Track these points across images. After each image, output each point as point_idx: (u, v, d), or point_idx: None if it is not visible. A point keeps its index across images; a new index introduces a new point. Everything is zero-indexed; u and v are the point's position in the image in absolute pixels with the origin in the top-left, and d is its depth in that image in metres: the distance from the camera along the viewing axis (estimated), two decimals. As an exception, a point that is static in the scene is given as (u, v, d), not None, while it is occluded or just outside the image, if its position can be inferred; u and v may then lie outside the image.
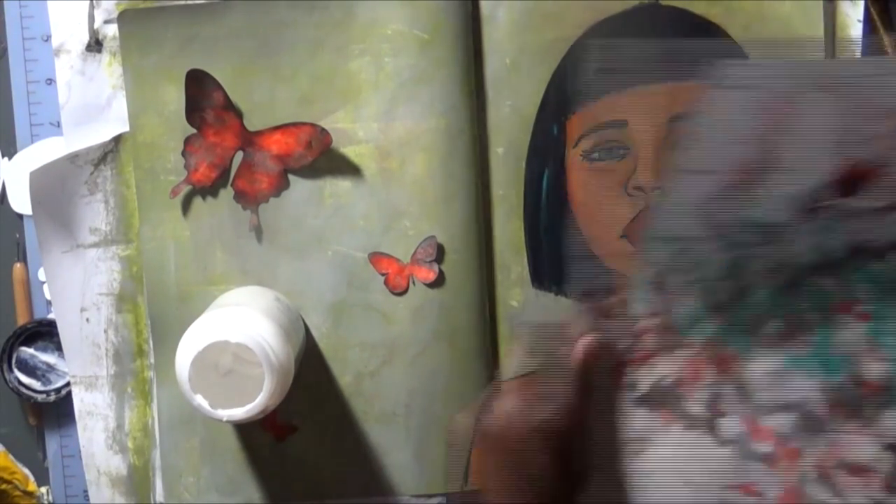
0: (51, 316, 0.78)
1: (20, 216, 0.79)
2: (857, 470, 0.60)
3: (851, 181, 0.58)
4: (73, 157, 0.76)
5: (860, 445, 0.60)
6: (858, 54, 0.75)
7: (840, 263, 0.60)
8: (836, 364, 0.60)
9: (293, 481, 0.78)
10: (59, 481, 0.80)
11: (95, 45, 0.76)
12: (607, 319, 0.59)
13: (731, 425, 0.61)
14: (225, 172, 0.76)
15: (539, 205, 0.77)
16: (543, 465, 0.55)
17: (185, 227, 0.76)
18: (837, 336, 0.60)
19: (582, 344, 0.57)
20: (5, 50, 0.78)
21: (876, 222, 0.59)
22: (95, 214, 0.77)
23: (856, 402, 0.60)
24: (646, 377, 0.62)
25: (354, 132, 0.75)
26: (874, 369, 0.60)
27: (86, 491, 0.79)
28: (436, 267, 0.76)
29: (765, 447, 0.61)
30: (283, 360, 0.66)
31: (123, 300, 0.77)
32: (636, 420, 0.62)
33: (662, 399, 0.62)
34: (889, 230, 0.59)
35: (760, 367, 0.61)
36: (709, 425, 0.61)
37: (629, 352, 0.61)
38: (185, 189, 0.76)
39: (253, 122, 0.75)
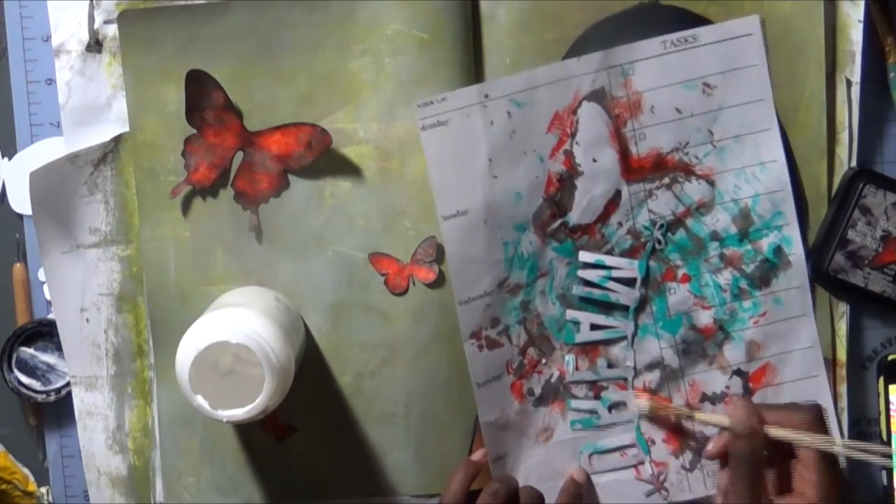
0: (51, 316, 0.78)
1: (20, 216, 0.79)
2: (718, 398, 0.77)
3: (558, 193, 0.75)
4: (73, 158, 0.76)
5: (713, 379, 0.77)
6: (859, 54, 0.75)
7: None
8: (675, 323, 0.76)
9: (293, 481, 0.78)
10: (59, 481, 0.80)
11: (95, 45, 0.76)
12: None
13: (611, 395, 0.77)
14: (225, 172, 0.76)
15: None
16: None
17: (185, 227, 0.76)
18: (669, 300, 0.76)
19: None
20: (5, 50, 0.78)
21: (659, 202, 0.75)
22: (95, 215, 0.77)
23: (699, 347, 0.76)
24: (537, 382, 0.76)
25: (354, 132, 0.75)
26: (704, 317, 0.76)
27: (86, 491, 0.79)
28: (436, 267, 0.76)
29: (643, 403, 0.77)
30: (283, 360, 0.66)
31: (123, 300, 0.77)
32: (539, 417, 0.77)
33: (554, 394, 0.76)
34: (665, 207, 0.75)
35: (619, 343, 0.76)
36: (594, 402, 0.77)
37: (521, 366, 0.76)
38: (185, 189, 0.76)
39: (253, 122, 0.75)
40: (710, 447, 0.73)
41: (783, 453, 0.71)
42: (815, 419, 0.70)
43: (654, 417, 0.76)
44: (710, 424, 0.74)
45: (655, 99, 0.74)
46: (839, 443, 0.69)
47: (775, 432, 0.70)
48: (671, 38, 0.74)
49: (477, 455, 0.75)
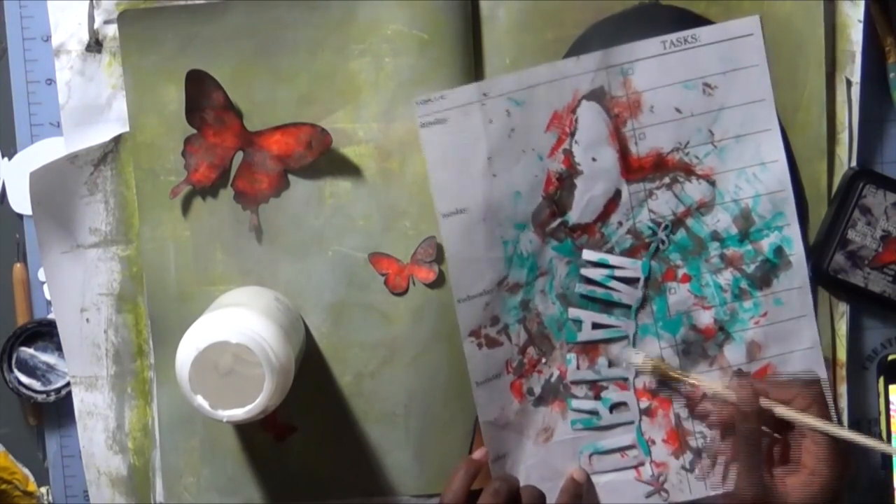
0: (51, 316, 0.78)
1: (20, 216, 0.79)
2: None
3: (557, 192, 0.75)
4: (73, 158, 0.76)
5: (714, 379, 0.76)
6: (859, 54, 0.75)
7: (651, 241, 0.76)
8: (675, 323, 0.76)
9: (293, 481, 0.78)
10: (59, 481, 0.80)
11: (95, 45, 0.76)
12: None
13: (612, 395, 0.77)
14: (225, 172, 0.76)
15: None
16: None
17: (185, 227, 0.76)
18: (670, 300, 0.76)
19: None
20: (5, 50, 0.78)
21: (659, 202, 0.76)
22: (95, 215, 0.77)
23: (699, 347, 0.76)
24: (537, 382, 0.76)
25: (354, 132, 0.75)
26: (704, 317, 0.76)
27: (86, 491, 0.79)
28: (436, 267, 0.76)
29: (643, 403, 0.77)
30: (283, 360, 0.66)
31: (123, 300, 0.77)
32: (538, 416, 0.76)
33: (554, 393, 0.76)
34: (665, 207, 0.75)
35: (620, 342, 0.76)
36: (594, 402, 0.77)
37: (521, 365, 0.76)
38: (185, 189, 0.76)
39: (253, 122, 0.75)
40: (713, 417, 0.74)
41: (785, 425, 0.71)
42: (818, 395, 0.71)
43: (660, 382, 0.76)
44: (716, 395, 0.74)
45: (655, 99, 0.74)
46: (844, 427, 0.71)
47: (781, 412, 0.70)
48: (671, 38, 0.74)
49: (477, 454, 0.75)
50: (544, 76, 0.74)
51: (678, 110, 0.74)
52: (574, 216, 0.75)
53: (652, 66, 0.74)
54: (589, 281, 0.76)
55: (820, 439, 0.70)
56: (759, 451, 0.71)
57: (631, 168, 0.75)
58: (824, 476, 0.69)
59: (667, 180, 0.75)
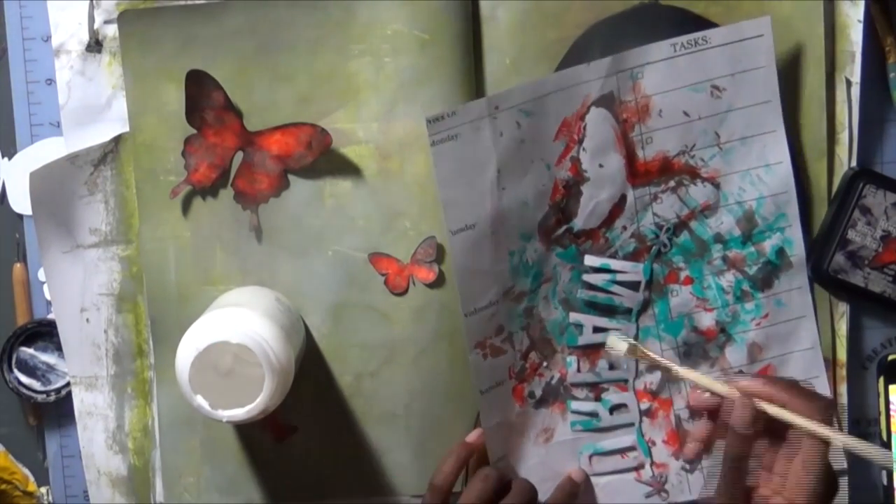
0: (51, 316, 0.78)
1: (20, 216, 0.79)
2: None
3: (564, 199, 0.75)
4: (73, 158, 0.76)
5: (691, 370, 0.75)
6: (859, 54, 0.75)
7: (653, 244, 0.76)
8: (677, 325, 0.76)
9: (293, 481, 0.78)
10: (59, 481, 0.80)
11: (95, 45, 0.76)
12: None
13: (612, 397, 0.77)
14: (225, 172, 0.76)
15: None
16: None
17: (185, 227, 0.76)
18: (672, 303, 0.76)
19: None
20: (5, 50, 0.78)
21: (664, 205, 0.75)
22: (95, 215, 0.77)
23: (701, 349, 0.76)
24: (538, 385, 0.76)
25: (354, 132, 0.75)
26: (706, 319, 0.76)
27: (86, 491, 0.79)
28: (436, 267, 0.76)
29: (644, 405, 0.77)
30: (283, 360, 0.66)
31: (123, 300, 0.77)
32: (539, 418, 0.76)
33: (555, 395, 0.76)
34: (670, 210, 0.75)
35: (620, 346, 0.74)
36: (594, 404, 0.77)
37: (522, 370, 0.75)
38: (185, 189, 0.76)
39: (253, 122, 0.75)
40: (694, 403, 0.73)
41: (778, 434, 0.68)
42: (825, 410, 0.67)
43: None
44: (699, 387, 0.71)
45: (663, 102, 0.73)
46: (840, 437, 0.66)
47: (774, 411, 0.67)
48: (681, 40, 0.72)
49: (472, 436, 0.74)
50: (555, 84, 0.72)
51: (686, 113, 0.74)
52: (579, 222, 0.75)
53: (661, 69, 0.73)
54: (591, 286, 0.76)
55: (807, 467, 0.65)
56: (743, 474, 0.68)
57: (637, 173, 0.74)
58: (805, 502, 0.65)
59: (672, 184, 0.75)
